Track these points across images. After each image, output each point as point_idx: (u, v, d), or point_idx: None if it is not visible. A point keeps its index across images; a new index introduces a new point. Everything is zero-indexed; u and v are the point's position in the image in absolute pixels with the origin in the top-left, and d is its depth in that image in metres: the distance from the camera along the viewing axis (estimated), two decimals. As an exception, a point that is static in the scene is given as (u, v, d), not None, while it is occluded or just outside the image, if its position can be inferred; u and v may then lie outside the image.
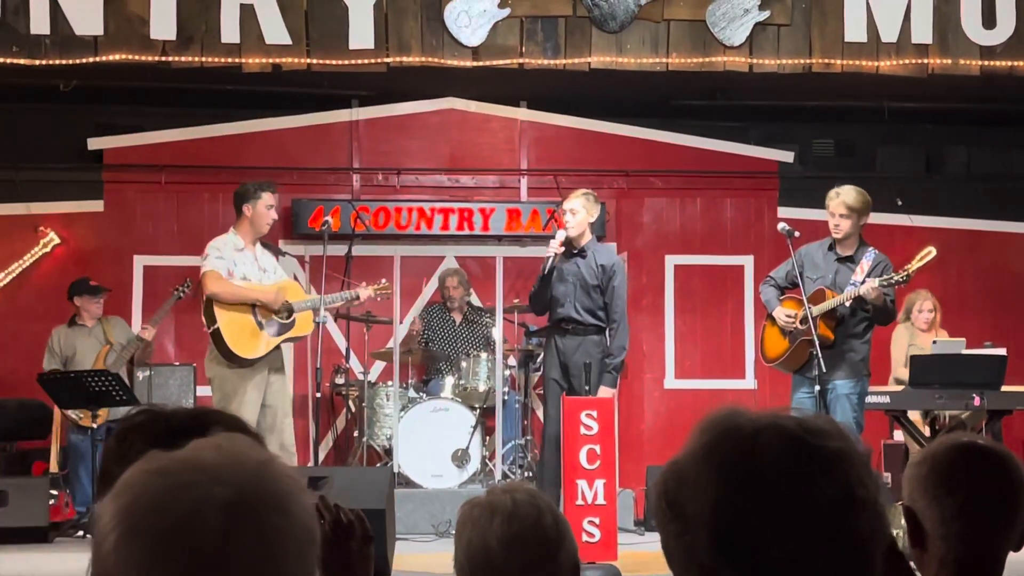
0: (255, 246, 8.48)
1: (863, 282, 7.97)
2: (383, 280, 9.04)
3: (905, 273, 7.97)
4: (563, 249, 8.50)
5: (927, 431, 9.34)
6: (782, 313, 8.25)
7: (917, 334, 10.28)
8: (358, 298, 8.77)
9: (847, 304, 8.01)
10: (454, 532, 2.89)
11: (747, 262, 11.68)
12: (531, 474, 9.81)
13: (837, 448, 1.52)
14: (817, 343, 7.83)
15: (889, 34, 10.37)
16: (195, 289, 8.59)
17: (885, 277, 7.91)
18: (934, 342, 9.66)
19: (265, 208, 8.38)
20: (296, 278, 9.55)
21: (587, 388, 8.54)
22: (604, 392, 8.45)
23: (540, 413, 10.99)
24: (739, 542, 1.48)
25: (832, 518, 1.48)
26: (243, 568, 1.31)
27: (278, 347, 8.37)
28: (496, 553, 2.75)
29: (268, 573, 1.33)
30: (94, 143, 11.23)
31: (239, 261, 8.31)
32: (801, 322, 8.11)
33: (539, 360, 10.19)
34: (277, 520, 1.34)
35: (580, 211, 8.51)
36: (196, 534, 1.30)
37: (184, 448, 1.38)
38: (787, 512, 1.47)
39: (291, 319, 8.32)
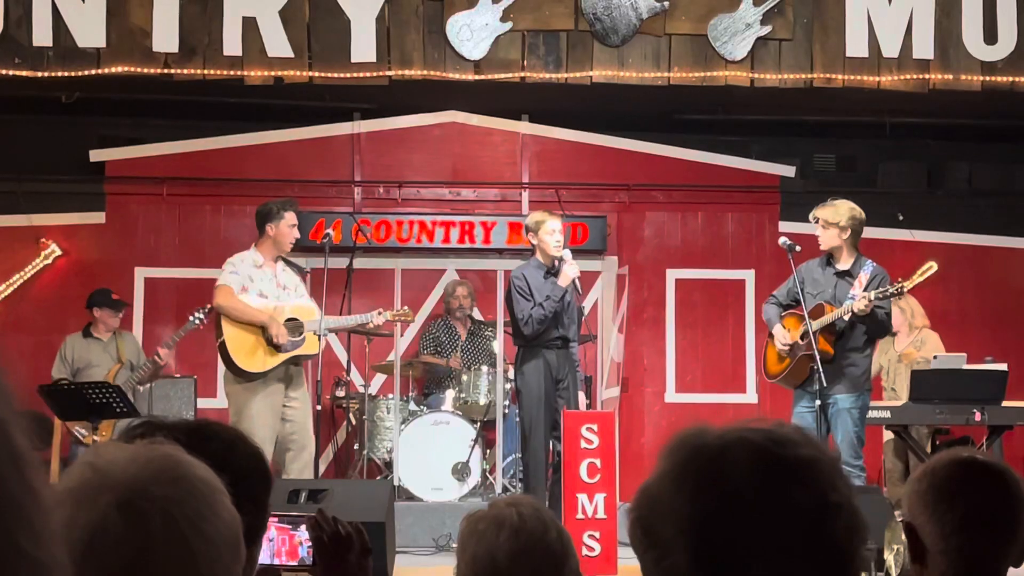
0: (276, 263, 8.67)
1: (859, 295, 8.00)
2: (405, 307, 9.20)
3: (899, 285, 7.98)
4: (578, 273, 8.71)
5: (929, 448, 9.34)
6: (779, 337, 8.28)
7: (891, 344, 10.20)
8: (369, 323, 8.87)
9: (845, 318, 8.02)
10: (455, 545, 2.88)
11: (748, 276, 11.67)
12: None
13: (806, 456, 1.52)
14: (818, 358, 7.84)
15: (890, 49, 10.38)
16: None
17: (880, 290, 7.92)
18: (935, 357, 9.64)
19: (288, 227, 8.60)
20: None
21: (588, 402, 8.70)
22: (584, 401, 8.86)
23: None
24: (720, 561, 1.47)
25: (809, 526, 1.48)
26: (165, 550, 1.33)
27: (296, 364, 8.54)
28: (503, 567, 2.75)
29: (188, 546, 1.35)
30: (96, 155, 11.23)
31: (256, 277, 8.51)
32: (801, 337, 8.13)
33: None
34: (177, 493, 1.37)
35: (564, 230, 8.80)
36: (107, 546, 1.32)
37: (64, 477, 1.42)
38: (764, 525, 1.47)
39: (301, 336, 8.46)
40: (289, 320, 8.46)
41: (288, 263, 8.81)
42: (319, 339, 8.45)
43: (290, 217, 8.60)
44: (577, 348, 8.99)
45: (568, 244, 8.99)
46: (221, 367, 9.32)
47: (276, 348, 8.37)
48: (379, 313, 8.80)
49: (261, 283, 8.50)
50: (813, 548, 1.48)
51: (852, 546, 1.52)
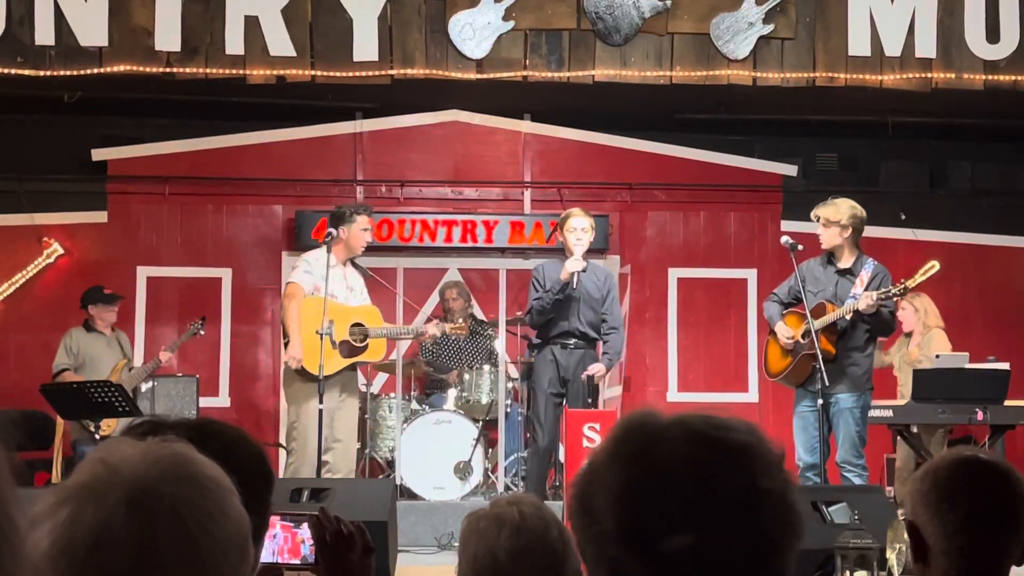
0: (346, 266, 8.82)
1: (863, 294, 7.99)
2: (459, 320, 9.31)
3: (902, 286, 7.98)
4: (585, 267, 8.68)
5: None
6: (782, 332, 8.28)
7: (905, 343, 10.17)
8: (425, 333, 9.14)
9: (847, 317, 8.02)
10: (458, 544, 2.87)
11: (750, 275, 11.67)
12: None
13: (740, 441, 1.55)
14: (820, 356, 7.84)
15: (893, 48, 10.38)
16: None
17: (883, 291, 7.92)
18: (937, 356, 9.63)
19: (360, 231, 8.72)
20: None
21: (589, 401, 8.66)
22: (598, 368, 8.77)
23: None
24: (643, 532, 1.50)
25: (734, 509, 1.50)
26: (172, 549, 1.33)
27: (354, 369, 8.75)
28: (504, 565, 2.75)
29: (196, 546, 1.34)
30: (98, 154, 11.23)
31: (328, 278, 8.59)
32: (803, 336, 8.13)
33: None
34: (186, 492, 1.36)
35: (590, 230, 8.76)
36: (113, 543, 1.32)
37: (75, 472, 1.41)
38: (689, 501, 1.50)
39: (364, 343, 8.65)
40: (355, 325, 8.63)
41: (355, 265, 8.91)
42: (317, 332, 8.52)
43: (362, 221, 8.72)
44: (617, 342, 8.99)
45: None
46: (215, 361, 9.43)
47: (348, 351, 8.57)
48: (436, 324, 9.02)
49: (333, 284, 8.60)
50: (739, 531, 1.50)
51: (781, 537, 1.53)
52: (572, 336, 8.77)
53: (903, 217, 11.77)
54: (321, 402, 8.38)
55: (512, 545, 2.76)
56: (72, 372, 9.95)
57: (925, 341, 10.01)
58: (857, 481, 8.02)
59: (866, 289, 8.02)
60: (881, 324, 8.14)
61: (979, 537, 2.42)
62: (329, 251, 8.66)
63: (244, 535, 1.41)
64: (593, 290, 8.83)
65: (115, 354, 10.15)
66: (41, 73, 9.94)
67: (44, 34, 9.88)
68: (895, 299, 8.12)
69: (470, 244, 11.33)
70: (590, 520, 1.55)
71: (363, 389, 10.67)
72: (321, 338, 8.45)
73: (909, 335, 10.13)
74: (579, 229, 8.76)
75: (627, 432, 1.57)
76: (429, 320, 9.24)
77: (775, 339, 8.41)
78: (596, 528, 1.53)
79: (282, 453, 9.33)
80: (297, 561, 2.69)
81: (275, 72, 10.13)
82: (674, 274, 11.71)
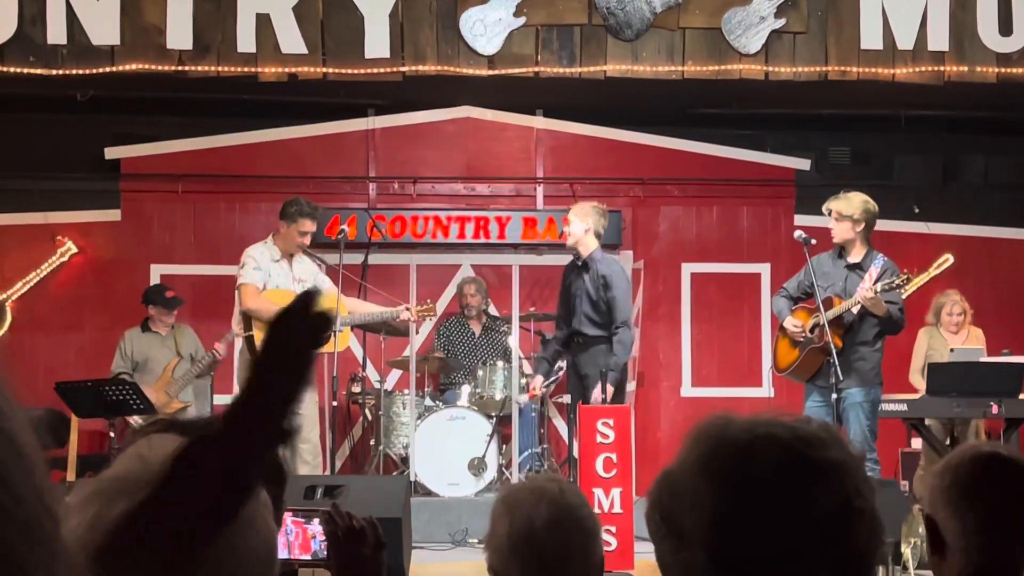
0: (292, 257, 8.75)
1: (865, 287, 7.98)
2: (428, 301, 9.19)
3: (906, 276, 7.96)
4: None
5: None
6: (791, 323, 8.26)
7: (941, 337, 10.18)
8: (397, 318, 8.92)
9: (854, 311, 8.00)
10: (492, 512, 2.89)
11: (764, 270, 11.65)
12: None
13: (833, 458, 1.52)
14: (834, 351, 7.81)
15: (905, 41, 10.36)
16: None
17: (887, 281, 7.89)
18: (952, 350, 9.60)
19: (298, 233, 8.68)
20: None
21: (604, 397, 8.64)
22: (598, 391, 8.57)
23: (556, 422, 11.02)
24: (738, 560, 1.47)
25: (830, 530, 1.48)
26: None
27: None
28: (539, 534, 2.78)
29: (221, 557, 1.34)
30: (111, 152, 11.25)
31: (274, 272, 8.60)
32: (811, 330, 8.10)
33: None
34: None
35: (572, 221, 8.71)
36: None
37: (114, 464, 1.41)
38: (785, 527, 1.47)
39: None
40: None
41: (308, 254, 8.86)
42: (336, 334, 8.47)
43: (303, 224, 8.68)
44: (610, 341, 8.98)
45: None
46: (236, 357, 9.42)
47: None
48: (405, 308, 8.86)
49: (278, 278, 8.54)
50: (834, 552, 1.48)
51: (871, 550, 1.52)
52: (577, 335, 8.86)
53: (916, 211, 11.75)
54: (334, 399, 8.38)
55: (550, 515, 2.79)
56: (128, 376, 9.94)
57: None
58: (870, 476, 7.99)
59: (875, 283, 7.99)
60: (887, 323, 8.10)
61: (999, 536, 2.40)
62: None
63: (271, 549, 1.41)
64: (592, 288, 8.80)
65: (169, 353, 10.13)
66: (54, 72, 9.96)
67: (56, 33, 9.90)
68: (900, 289, 8.10)
69: (483, 240, 11.33)
70: (678, 543, 1.51)
71: (376, 385, 10.66)
72: (335, 335, 8.45)
73: (936, 324, 10.14)
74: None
75: (713, 448, 1.53)
76: (396, 306, 9.06)
77: (784, 334, 8.39)
78: (685, 553, 1.50)
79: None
80: (307, 556, 2.69)
81: (287, 70, 10.14)
82: (687, 269, 11.70)
